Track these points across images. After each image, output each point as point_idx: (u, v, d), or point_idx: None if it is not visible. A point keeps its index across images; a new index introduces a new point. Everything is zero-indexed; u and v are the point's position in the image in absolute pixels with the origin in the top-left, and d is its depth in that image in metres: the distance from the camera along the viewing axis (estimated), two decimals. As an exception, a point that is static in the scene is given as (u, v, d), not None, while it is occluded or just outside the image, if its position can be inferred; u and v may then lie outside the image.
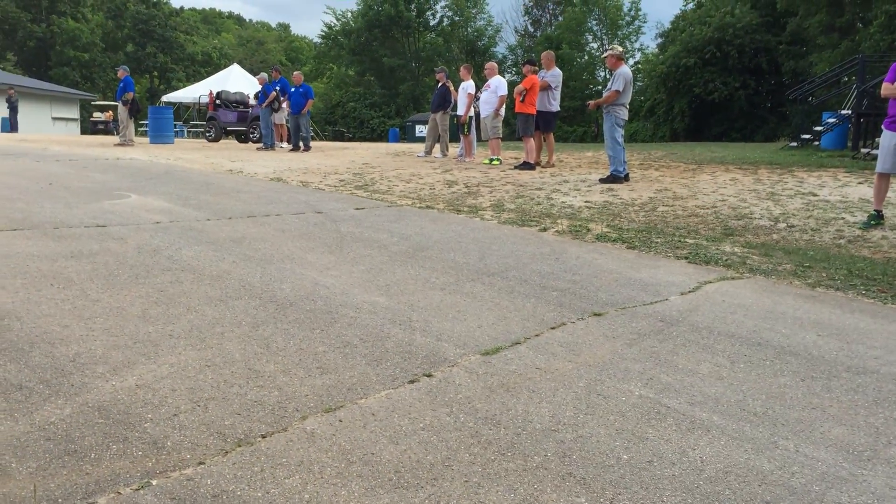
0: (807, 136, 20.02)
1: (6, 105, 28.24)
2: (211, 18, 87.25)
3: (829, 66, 24.69)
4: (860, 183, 10.31)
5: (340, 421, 2.92)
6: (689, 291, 5.22)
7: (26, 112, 32.00)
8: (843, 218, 8.04)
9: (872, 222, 7.60)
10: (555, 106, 13.42)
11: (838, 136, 18.82)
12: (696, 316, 4.61)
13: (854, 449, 2.89)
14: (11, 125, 28.51)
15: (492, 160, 14.19)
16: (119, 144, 18.83)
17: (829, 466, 2.74)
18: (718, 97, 35.76)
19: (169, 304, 4.35)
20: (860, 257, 6.44)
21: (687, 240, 6.99)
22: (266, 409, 3.00)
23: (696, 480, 2.59)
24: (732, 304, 4.91)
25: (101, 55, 60.12)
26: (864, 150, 16.05)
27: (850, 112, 18.48)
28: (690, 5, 43.47)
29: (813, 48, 30.98)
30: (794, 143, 20.13)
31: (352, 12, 54.61)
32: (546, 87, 13.18)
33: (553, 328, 4.24)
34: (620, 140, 10.90)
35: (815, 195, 9.38)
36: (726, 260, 6.18)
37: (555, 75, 13.38)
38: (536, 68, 13.47)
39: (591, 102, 11.81)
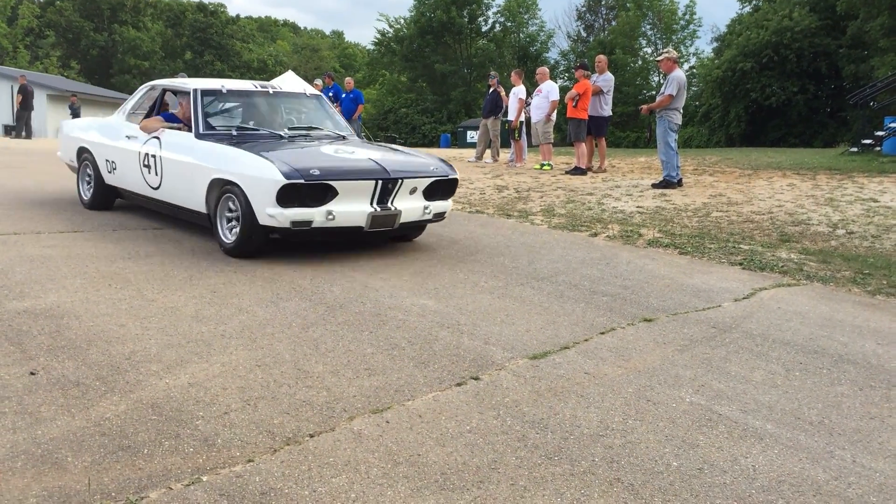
0: (868, 142, 19.50)
1: (68, 111, 29.05)
2: (266, 26, 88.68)
3: (891, 70, 24.04)
4: (924, 189, 9.99)
5: (387, 422, 2.94)
6: (743, 298, 5.12)
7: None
8: (905, 224, 7.80)
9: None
10: (607, 111, 13.30)
11: (900, 141, 18.29)
12: (750, 323, 4.52)
13: (914, 461, 2.80)
14: (74, 131, 29.31)
15: (542, 165, 14.12)
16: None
17: (888, 478, 2.66)
18: (776, 102, 35.07)
19: (221, 304, 4.42)
20: (923, 265, 6.24)
21: (741, 246, 6.86)
22: (314, 408, 3.03)
23: (748, 489, 2.54)
24: (788, 311, 4.80)
25: (160, 63, 61.55)
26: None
27: (913, 116, 17.96)
28: (747, 9, 42.78)
29: (874, 51, 30.20)
30: (855, 149, 19.62)
31: (404, 19, 55.01)
32: (598, 92, 13.07)
33: (602, 333, 4.20)
34: (674, 145, 10.75)
35: (875, 201, 9.13)
36: (782, 266, 6.05)
37: (607, 80, 13.26)
38: (589, 73, 13.37)
39: (645, 107, 11.67)
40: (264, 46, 77.07)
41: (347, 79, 19.39)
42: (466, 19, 53.23)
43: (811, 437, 2.97)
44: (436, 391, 3.27)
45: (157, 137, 6.53)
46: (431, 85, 54.22)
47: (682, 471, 2.65)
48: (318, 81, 21.20)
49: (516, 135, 15.37)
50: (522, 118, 15.24)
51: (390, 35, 55.65)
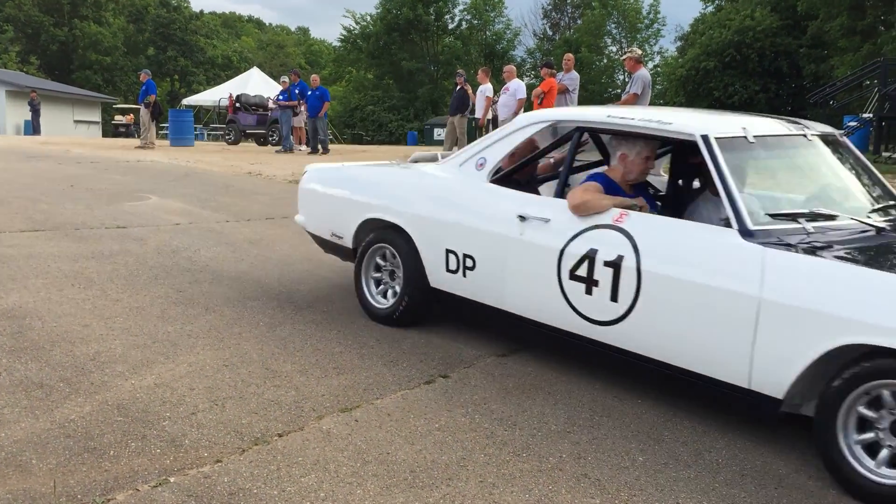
0: (828, 140, 19.84)
1: (29, 108, 28.53)
2: (231, 22, 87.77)
3: (850, 70, 24.46)
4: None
5: (356, 421, 2.94)
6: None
7: (48, 115, 32.31)
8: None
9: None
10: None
11: (859, 139, 18.62)
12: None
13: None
14: (34, 128, 28.80)
15: (510, 163, 14.17)
16: (140, 147, 18.98)
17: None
18: (738, 101, 35.50)
19: (187, 304, 4.39)
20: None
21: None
22: (283, 408, 3.02)
23: (713, 483, 2.59)
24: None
25: (122, 59, 60.59)
26: (885, 154, 15.90)
27: (871, 116, 18.31)
28: (710, 8, 43.23)
29: (834, 51, 30.71)
30: (815, 147, 19.96)
31: (371, 16, 54.76)
32: (563, 91, 13.15)
33: (569, 330, 4.23)
34: (639, 143, 10.85)
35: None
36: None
37: (572, 78, 13.35)
38: (554, 71, 13.45)
39: (611, 105, 11.78)
40: (229, 42, 76.28)
41: (313, 76, 19.29)
42: (433, 17, 53.16)
43: (775, 431, 3.03)
44: (405, 389, 3.28)
45: (619, 228, 3.31)
46: (398, 82, 54.09)
47: (648, 465, 2.69)
48: (285, 79, 21.05)
49: (484, 132, 15.41)
50: (490, 116, 15.29)
51: (357, 32, 55.35)
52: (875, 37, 26.69)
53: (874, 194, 3.59)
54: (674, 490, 2.52)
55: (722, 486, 2.57)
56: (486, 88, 15.25)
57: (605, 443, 2.85)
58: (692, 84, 37.43)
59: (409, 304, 4.12)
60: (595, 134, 4.09)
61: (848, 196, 3.57)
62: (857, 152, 3.79)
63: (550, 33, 57.99)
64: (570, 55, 13.99)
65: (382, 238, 4.28)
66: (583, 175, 4.05)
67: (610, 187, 3.59)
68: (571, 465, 2.66)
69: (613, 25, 53.06)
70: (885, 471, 2.51)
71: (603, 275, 3.25)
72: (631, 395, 3.33)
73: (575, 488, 2.51)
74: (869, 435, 2.55)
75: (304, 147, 20.92)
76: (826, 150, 3.68)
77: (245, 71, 45.02)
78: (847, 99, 22.21)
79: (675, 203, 3.94)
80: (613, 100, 37.92)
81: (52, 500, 2.29)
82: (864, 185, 3.66)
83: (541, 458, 2.70)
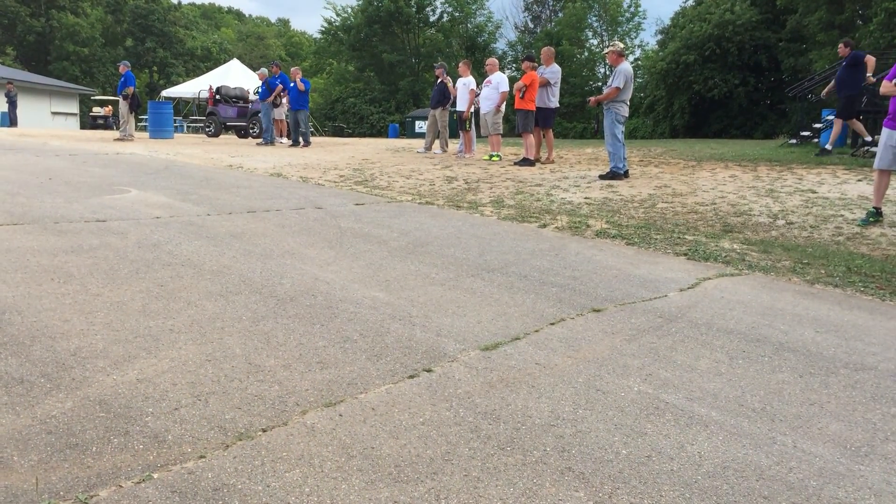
0: (806, 134, 20.01)
1: (5, 100, 28.19)
2: (210, 13, 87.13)
3: (828, 64, 24.66)
4: (859, 180, 10.31)
5: (340, 415, 2.94)
6: (688, 288, 5.23)
7: (25, 107, 31.97)
8: (842, 215, 8.05)
9: (871, 219, 7.61)
10: (554, 102, 13.43)
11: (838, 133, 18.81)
12: (694, 312, 4.62)
13: (852, 445, 2.90)
14: (11, 120, 28.48)
15: (491, 156, 14.19)
16: (119, 139, 18.82)
17: (827, 462, 2.76)
18: (718, 94, 35.75)
19: (169, 298, 4.36)
20: (858, 254, 6.46)
21: (686, 236, 7.00)
22: (266, 403, 3.01)
23: (695, 475, 2.61)
24: (731, 301, 4.92)
25: (100, 50, 60.03)
26: (863, 148, 16.05)
27: (849, 109, 18.47)
28: (690, 2, 43.44)
29: (812, 45, 30.95)
30: (794, 141, 20.11)
31: (352, 8, 54.54)
32: (545, 84, 13.18)
33: (552, 324, 4.26)
34: (620, 137, 10.91)
35: (814, 192, 9.39)
36: (725, 256, 6.20)
37: (554, 72, 13.38)
38: (536, 64, 13.47)
39: (592, 99, 11.80)
40: (208, 34, 75.72)
41: (294, 68, 19.19)
42: (414, 9, 53.03)
43: (754, 423, 3.06)
44: (388, 384, 3.28)
45: None
46: (379, 74, 53.96)
47: (631, 458, 2.71)
48: (264, 70, 20.94)
49: (467, 125, 15.42)
50: (472, 109, 15.30)
51: (337, 24, 55.12)
52: (853, 31, 26.92)
53: None
54: (657, 483, 2.54)
55: (705, 478, 2.59)
56: (469, 81, 15.27)
57: (588, 436, 2.86)
58: (672, 77, 37.68)
59: None
60: None
61: None
62: None
63: (532, 26, 58.09)
64: (548, 49, 14.02)
65: None
66: None
67: None
68: (555, 459, 2.67)
69: (594, 18, 53.25)
70: None
71: None
72: (613, 388, 3.35)
73: (559, 481, 2.52)
74: None
75: (285, 140, 20.83)
76: None
77: (225, 63, 44.76)
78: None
79: None
80: (594, 92, 38.00)
81: (35, 496, 2.27)
82: None
83: (525, 452, 2.71)
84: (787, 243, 6.82)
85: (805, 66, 31.61)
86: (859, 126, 14.57)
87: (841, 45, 14.82)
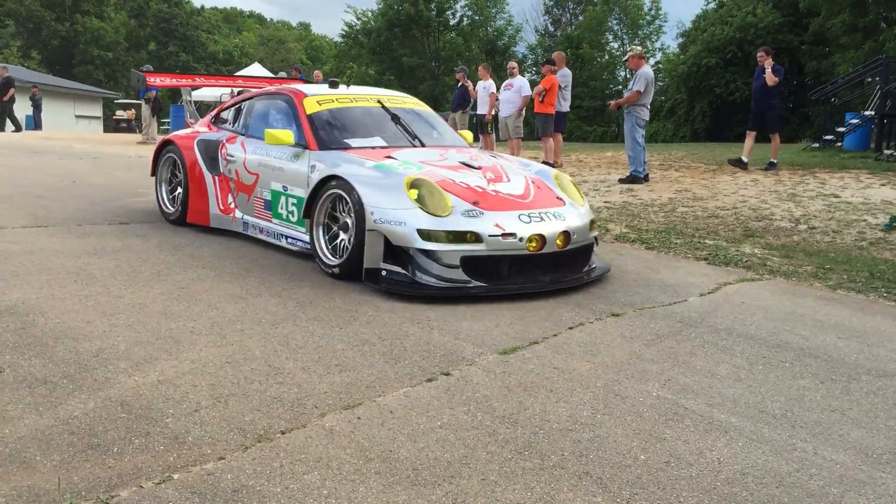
0: (829, 137, 19.83)
1: (30, 103, 28.50)
2: (232, 17, 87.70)
3: (852, 67, 24.43)
4: (883, 185, 10.21)
5: (359, 418, 2.95)
6: (709, 293, 5.20)
7: (50, 110, 32.31)
8: (865, 220, 7.97)
9: (894, 224, 7.53)
10: (565, 106, 13.48)
11: (861, 137, 18.60)
12: (714, 317, 4.59)
13: (873, 452, 2.88)
14: (35, 123, 28.80)
15: (511, 160, 14.17)
16: (142, 142, 18.99)
17: (848, 469, 2.73)
18: (739, 97, 35.42)
19: (190, 300, 4.40)
20: (882, 259, 6.39)
21: (706, 241, 6.96)
22: (285, 405, 3.03)
23: (714, 482, 2.59)
24: (752, 306, 4.89)
25: (124, 54, 60.61)
26: (887, 152, 15.88)
27: (873, 113, 18.28)
28: (712, 5, 43.14)
29: (836, 48, 30.68)
30: (817, 144, 19.93)
31: (372, 12, 54.67)
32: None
33: (571, 328, 4.25)
34: (641, 140, 10.86)
35: (836, 197, 9.30)
36: (746, 261, 6.15)
37: (564, 75, 13.41)
38: (555, 68, 13.47)
39: (613, 102, 11.76)
40: (230, 38, 76.28)
41: (316, 72, 19.30)
42: (434, 12, 53.07)
43: (774, 429, 3.04)
44: (407, 387, 3.29)
45: None
46: (399, 78, 54.01)
47: (650, 464, 2.70)
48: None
49: (488, 128, 15.43)
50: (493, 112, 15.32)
51: (358, 28, 55.29)
52: (877, 34, 26.67)
53: None
54: (675, 488, 2.53)
55: (724, 484, 2.58)
56: (489, 85, 15.27)
57: (606, 441, 2.86)
58: (693, 80, 37.42)
59: None
60: None
61: None
62: None
63: (552, 29, 57.96)
64: (560, 53, 14.07)
65: None
66: None
67: None
68: (573, 463, 2.67)
69: (615, 22, 52.98)
70: None
71: None
72: (632, 393, 3.34)
73: (577, 486, 2.52)
74: None
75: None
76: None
77: (246, 66, 45.01)
78: (849, 96, 22.18)
79: None
80: (614, 96, 37.84)
81: (57, 496, 2.30)
82: None
83: (542, 456, 2.71)
84: (809, 248, 6.76)
85: (828, 70, 31.33)
86: None
87: None
